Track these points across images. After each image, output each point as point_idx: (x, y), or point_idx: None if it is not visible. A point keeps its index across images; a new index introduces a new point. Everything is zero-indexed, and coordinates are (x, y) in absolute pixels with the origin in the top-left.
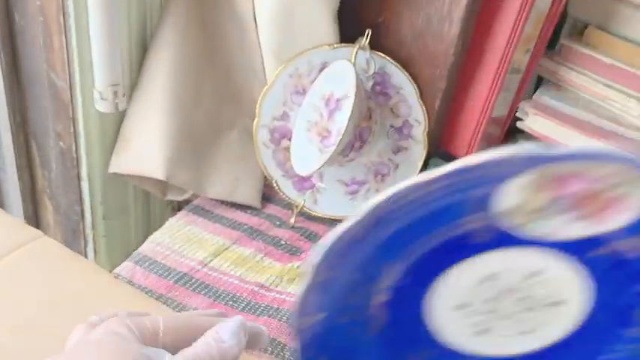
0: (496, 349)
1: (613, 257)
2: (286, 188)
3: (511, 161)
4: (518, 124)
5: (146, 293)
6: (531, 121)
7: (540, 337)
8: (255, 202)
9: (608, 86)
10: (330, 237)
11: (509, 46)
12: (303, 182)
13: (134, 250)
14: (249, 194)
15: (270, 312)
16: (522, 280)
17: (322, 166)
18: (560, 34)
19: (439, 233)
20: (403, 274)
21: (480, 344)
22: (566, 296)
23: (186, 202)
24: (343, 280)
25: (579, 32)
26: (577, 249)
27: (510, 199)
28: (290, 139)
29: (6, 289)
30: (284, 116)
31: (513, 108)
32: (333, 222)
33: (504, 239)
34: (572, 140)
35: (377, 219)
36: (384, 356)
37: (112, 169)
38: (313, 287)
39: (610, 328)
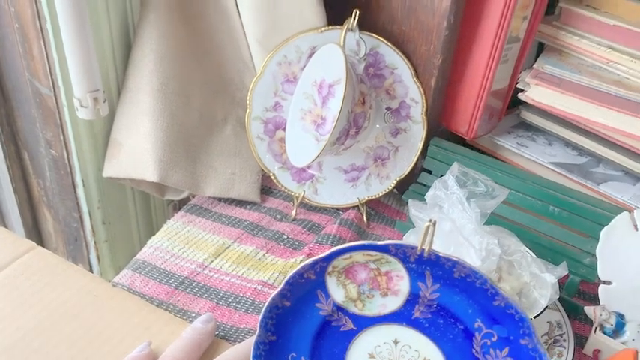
0: None
1: (430, 311)
2: (285, 180)
3: (310, 269)
4: (520, 95)
5: (146, 300)
6: (533, 91)
7: None
8: (254, 196)
9: (612, 48)
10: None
11: (505, 13)
12: (301, 173)
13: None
14: (247, 189)
15: None
16: (392, 350)
17: (317, 157)
18: None
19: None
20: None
21: None
22: (427, 353)
23: (186, 200)
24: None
25: None
26: (403, 316)
27: (338, 293)
28: (284, 130)
29: (2, 306)
30: (276, 106)
31: (514, 79)
32: (335, 211)
33: (362, 321)
34: (578, 109)
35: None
36: None
37: (106, 174)
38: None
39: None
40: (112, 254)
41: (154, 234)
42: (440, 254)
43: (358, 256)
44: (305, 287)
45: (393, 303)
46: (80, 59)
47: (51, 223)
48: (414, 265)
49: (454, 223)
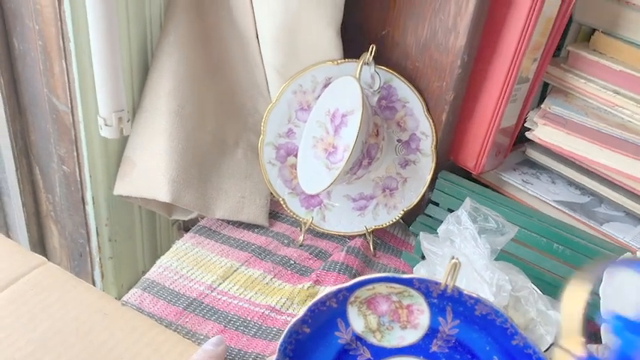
0: None
1: (448, 346)
2: (294, 206)
3: (333, 297)
4: (527, 134)
5: (155, 320)
6: (540, 131)
7: None
8: (263, 220)
9: (617, 93)
10: None
11: (516, 55)
12: (310, 199)
13: (141, 271)
14: (256, 213)
15: None
16: None
17: (330, 185)
18: (565, 40)
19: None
20: None
21: None
22: None
23: (192, 221)
24: None
25: (584, 37)
26: (420, 349)
27: (358, 323)
28: (296, 156)
29: (10, 321)
30: (289, 133)
31: (522, 117)
32: (342, 238)
33: (379, 352)
34: (583, 149)
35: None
36: None
37: (116, 192)
38: None
39: None
40: (116, 271)
41: (157, 253)
42: (463, 291)
43: (381, 288)
44: (326, 315)
45: (411, 336)
46: (108, 80)
47: (56, 237)
48: (435, 300)
49: (467, 258)
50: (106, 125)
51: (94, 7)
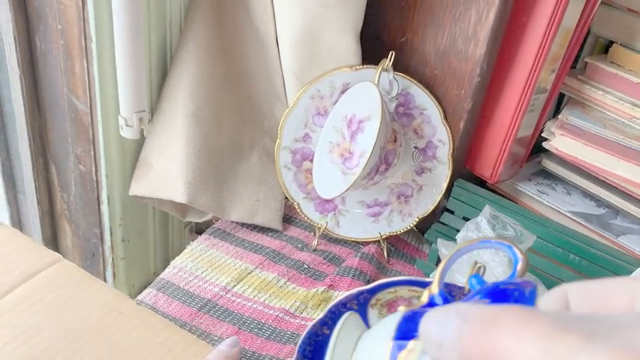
0: None
1: None
2: (308, 210)
3: (354, 300)
4: (544, 144)
5: (170, 320)
6: (558, 141)
7: None
8: (277, 224)
9: (635, 105)
10: None
11: (535, 65)
12: (325, 204)
13: (153, 272)
14: (270, 217)
15: (296, 340)
16: None
17: (347, 190)
18: (582, 52)
19: None
20: None
21: None
22: None
23: (204, 223)
24: None
25: (601, 50)
26: None
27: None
28: (311, 161)
29: (26, 317)
30: (305, 138)
31: (538, 128)
32: (355, 244)
33: None
34: (600, 161)
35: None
36: None
37: (132, 192)
38: None
39: None
40: (128, 272)
41: (169, 255)
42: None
43: (403, 291)
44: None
45: None
46: (131, 80)
47: (70, 237)
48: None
49: (486, 265)
50: (126, 125)
51: (120, 7)
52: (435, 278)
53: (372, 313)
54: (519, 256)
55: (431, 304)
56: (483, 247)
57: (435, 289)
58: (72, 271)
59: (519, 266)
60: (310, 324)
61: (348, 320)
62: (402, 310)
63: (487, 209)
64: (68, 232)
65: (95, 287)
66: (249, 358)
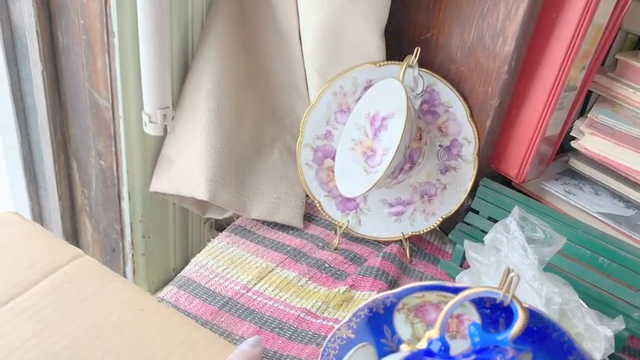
0: None
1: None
2: (329, 209)
3: (380, 304)
4: (573, 143)
5: (191, 318)
6: (587, 140)
7: None
8: (297, 222)
9: None
10: None
11: (565, 62)
12: (346, 203)
13: (172, 268)
14: (291, 215)
15: (318, 340)
16: None
17: (371, 188)
18: (611, 48)
19: None
20: None
21: None
22: None
23: (224, 220)
24: None
25: (631, 46)
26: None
27: (405, 331)
28: (333, 159)
29: (48, 312)
30: (327, 135)
31: (566, 126)
32: (376, 244)
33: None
34: (630, 160)
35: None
36: None
37: (153, 188)
38: None
39: None
40: (148, 268)
41: (189, 251)
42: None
43: (431, 296)
44: (372, 321)
45: (459, 346)
46: (155, 76)
47: (90, 232)
48: (488, 311)
49: (516, 267)
50: (150, 122)
51: (144, 2)
52: (436, 322)
53: (399, 317)
54: (520, 314)
55: (428, 351)
56: (485, 296)
57: (434, 333)
58: (93, 267)
59: (517, 324)
60: (335, 326)
61: (357, 353)
62: (404, 350)
63: (516, 210)
64: (88, 228)
65: (116, 284)
66: (270, 358)
